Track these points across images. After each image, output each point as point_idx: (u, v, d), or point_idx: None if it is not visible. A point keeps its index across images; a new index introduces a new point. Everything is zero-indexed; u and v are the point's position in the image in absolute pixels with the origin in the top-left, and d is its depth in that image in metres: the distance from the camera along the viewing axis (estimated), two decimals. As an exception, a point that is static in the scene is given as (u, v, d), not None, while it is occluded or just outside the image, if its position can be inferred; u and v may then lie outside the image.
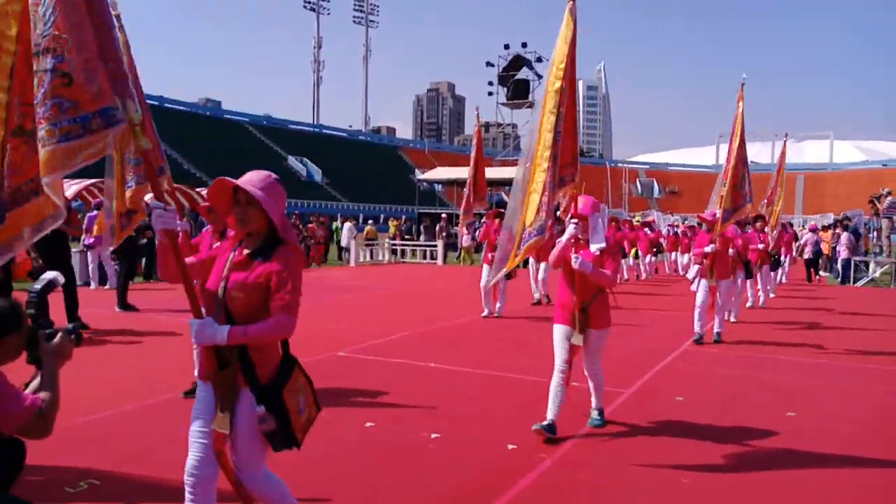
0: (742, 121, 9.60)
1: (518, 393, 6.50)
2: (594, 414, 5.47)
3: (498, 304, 11.32)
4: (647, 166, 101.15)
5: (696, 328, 9.18)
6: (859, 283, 20.21)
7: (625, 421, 5.68)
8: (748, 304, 13.20)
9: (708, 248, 8.96)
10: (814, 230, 22.74)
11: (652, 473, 4.51)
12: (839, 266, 20.98)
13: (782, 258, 16.78)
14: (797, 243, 22.14)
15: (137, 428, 5.22)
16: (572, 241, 5.08)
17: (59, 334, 2.53)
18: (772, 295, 14.94)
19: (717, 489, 4.28)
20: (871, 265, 21.91)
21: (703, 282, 9.14)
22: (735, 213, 9.24)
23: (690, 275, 9.53)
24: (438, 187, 62.70)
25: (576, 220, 5.04)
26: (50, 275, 2.69)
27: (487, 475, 4.40)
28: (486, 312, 11.18)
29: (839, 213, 29.34)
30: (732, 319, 10.88)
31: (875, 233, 24.64)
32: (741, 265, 10.87)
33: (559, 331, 5.21)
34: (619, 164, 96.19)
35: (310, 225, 24.20)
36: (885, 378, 7.56)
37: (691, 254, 17.53)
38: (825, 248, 23.53)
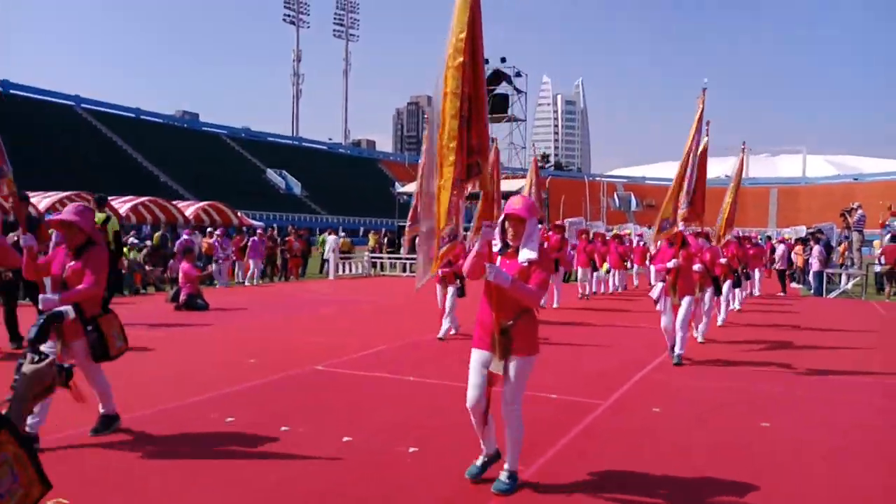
0: (699, 127, 9.24)
1: (496, 405, 6.49)
2: (503, 476, 4.36)
3: (445, 325, 10.28)
4: (625, 180, 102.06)
5: (672, 349, 8.70)
6: (832, 295, 20.49)
7: (602, 432, 5.71)
8: (718, 322, 12.43)
9: (670, 264, 8.48)
10: (782, 242, 23.06)
11: (629, 485, 4.52)
12: (811, 278, 21.26)
13: (751, 272, 16.50)
14: (772, 255, 22.42)
15: (110, 445, 5.15)
16: (486, 248, 4.31)
17: (48, 360, 2.27)
18: (737, 308, 14.85)
19: (695, 499, 4.31)
20: (843, 277, 22.22)
21: (669, 301, 8.59)
22: (673, 224, 8.87)
23: (654, 294, 8.70)
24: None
25: (489, 223, 4.31)
26: (64, 308, 2.65)
27: (466, 488, 4.39)
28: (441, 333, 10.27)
29: (812, 226, 29.74)
30: (700, 339, 10.37)
31: (845, 245, 25.01)
32: (710, 280, 10.28)
33: (476, 357, 4.47)
34: (597, 178, 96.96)
35: (287, 238, 24.08)
36: (858, 389, 7.66)
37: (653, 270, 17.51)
38: (798, 260, 23.85)
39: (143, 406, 6.15)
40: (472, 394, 4.51)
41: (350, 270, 25.75)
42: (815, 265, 20.79)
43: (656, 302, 8.67)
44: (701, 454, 5.20)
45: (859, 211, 23.09)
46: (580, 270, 17.41)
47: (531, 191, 14.71)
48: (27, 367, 2.17)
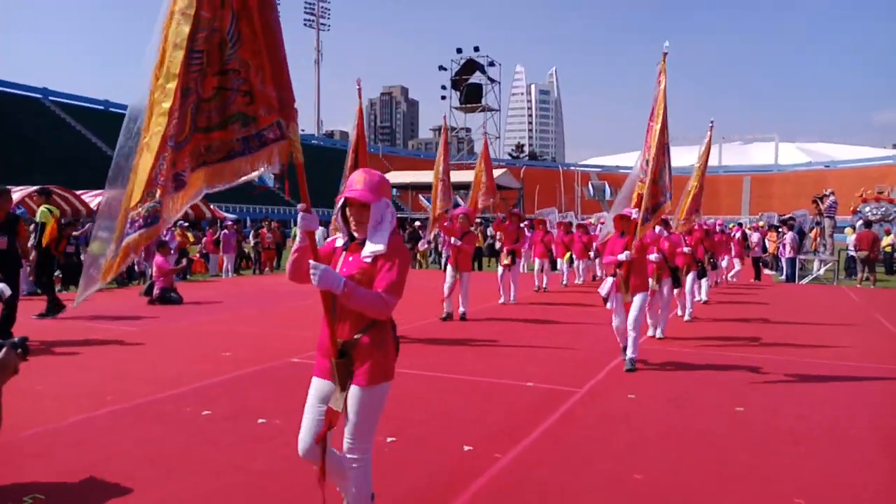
0: (665, 100, 7.79)
1: (472, 394, 6.53)
2: None
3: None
4: (599, 169, 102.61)
5: (625, 354, 7.76)
6: (804, 281, 20.80)
7: (578, 419, 5.75)
8: (685, 317, 11.70)
9: (622, 256, 7.46)
10: (756, 229, 23.33)
11: (605, 470, 4.57)
12: (784, 264, 21.56)
13: (718, 260, 15.80)
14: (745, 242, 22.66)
15: (83, 440, 5.09)
16: (307, 240, 3.27)
17: (4, 348, 2.40)
18: (704, 299, 13.99)
19: (669, 484, 4.36)
20: (816, 263, 22.56)
21: (619, 298, 7.69)
22: (655, 215, 7.73)
23: (603, 290, 7.70)
24: (394, 192, 62.59)
25: (304, 207, 3.24)
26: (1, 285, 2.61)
27: (443, 477, 4.40)
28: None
29: (785, 213, 30.13)
30: (658, 335, 9.66)
31: (817, 231, 25.37)
32: (668, 272, 9.42)
33: (313, 389, 3.50)
34: (572, 168, 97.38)
35: (261, 230, 23.90)
36: (830, 372, 7.79)
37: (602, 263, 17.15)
38: (771, 247, 24.18)
39: (117, 400, 6.08)
40: (303, 438, 3.53)
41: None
42: (787, 251, 21.08)
43: (606, 299, 7.74)
44: (677, 438, 5.27)
45: (831, 198, 23.43)
46: (537, 262, 16.83)
47: (482, 178, 13.32)
48: None
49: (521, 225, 16.31)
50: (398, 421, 5.59)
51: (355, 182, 3.29)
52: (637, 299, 7.60)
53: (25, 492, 4.05)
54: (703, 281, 13.76)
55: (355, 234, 3.34)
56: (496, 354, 8.55)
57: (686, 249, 11.54)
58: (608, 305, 7.77)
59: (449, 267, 11.46)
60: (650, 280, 8.68)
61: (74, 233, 16.77)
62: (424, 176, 34.78)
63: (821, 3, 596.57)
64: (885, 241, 23.84)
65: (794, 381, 7.33)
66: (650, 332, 9.60)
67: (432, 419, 5.71)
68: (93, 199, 25.24)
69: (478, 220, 26.35)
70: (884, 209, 27.65)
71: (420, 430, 5.39)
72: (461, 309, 11.43)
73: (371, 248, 3.24)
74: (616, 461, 4.74)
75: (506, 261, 13.57)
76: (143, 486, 4.21)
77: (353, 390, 3.26)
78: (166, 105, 2.98)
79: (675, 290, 10.25)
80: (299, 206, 3.27)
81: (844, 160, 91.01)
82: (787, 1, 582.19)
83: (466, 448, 4.92)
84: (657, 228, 8.72)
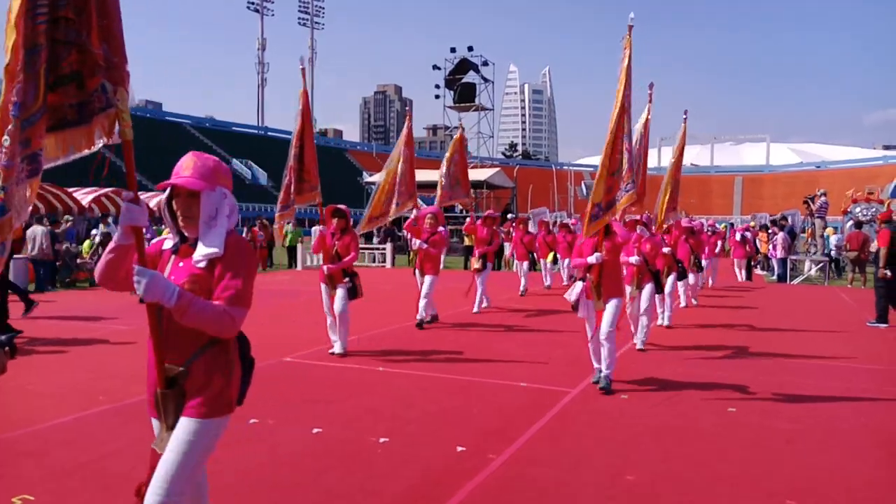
0: (628, 77, 6.74)
1: (465, 395, 6.52)
2: None
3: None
4: (593, 168, 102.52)
5: (600, 367, 6.88)
6: (795, 282, 20.88)
7: (572, 419, 5.76)
8: (665, 322, 10.86)
9: (592, 259, 6.61)
10: (747, 230, 23.40)
11: (598, 471, 4.57)
12: (775, 264, 21.65)
13: (704, 261, 14.66)
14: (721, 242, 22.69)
15: (75, 440, 5.06)
16: (131, 238, 2.62)
17: None
18: (693, 303, 13.57)
19: (662, 484, 4.36)
20: (807, 263, 22.65)
21: (590, 305, 6.83)
22: (609, 211, 6.64)
23: (571, 296, 6.87)
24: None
25: (131, 196, 2.59)
26: None
27: (436, 477, 4.40)
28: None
29: (776, 214, 30.25)
30: (639, 346, 8.88)
31: (809, 231, 25.50)
32: (649, 276, 8.69)
33: (154, 426, 2.88)
34: (565, 167, 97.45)
35: (253, 228, 23.83)
36: (821, 373, 7.82)
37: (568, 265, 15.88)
38: (762, 247, 24.27)
39: (108, 400, 6.06)
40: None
41: (317, 261, 25.57)
42: (778, 252, 21.16)
43: (575, 307, 6.91)
44: (669, 438, 5.28)
45: (822, 198, 23.53)
46: (517, 264, 16.02)
47: (449, 169, 11.80)
48: None
49: (503, 226, 16.11)
50: (391, 421, 5.59)
51: (183, 167, 2.67)
52: (610, 307, 6.66)
53: (16, 491, 4.03)
54: (681, 284, 12.40)
55: (185, 233, 2.71)
56: (488, 355, 8.54)
57: (665, 250, 10.40)
58: (579, 313, 6.93)
59: (417, 271, 10.67)
60: (628, 287, 8.27)
61: (57, 230, 16.70)
62: (419, 175, 34.64)
63: (812, 3, 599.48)
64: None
65: (786, 381, 7.35)
66: (638, 346, 8.86)
67: (425, 419, 5.70)
68: (85, 196, 25.15)
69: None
70: (874, 210, 27.76)
71: (413, 431, 5.38)
72: (419, 315, 10.37)
73: (204, 251, 2.62)
74: (609, 461, 4.74)
75: (476, 265, 12.41)
76: (132, 488, 4.19)
77: (181, 422, 2.65)
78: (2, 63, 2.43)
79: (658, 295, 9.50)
80: (124, 194, 2.62)
81: (835, 161, 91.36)
82: (779, 1, 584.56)
83: (460, 448, 4.91)
84: (638, 228, 8.45)
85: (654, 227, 9.51)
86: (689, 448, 5.08)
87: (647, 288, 8.72)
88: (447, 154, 12.03)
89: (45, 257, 15.61)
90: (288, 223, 10.33)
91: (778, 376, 7.56)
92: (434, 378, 7.21)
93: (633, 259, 8.09)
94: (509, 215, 29.37)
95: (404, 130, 11.32)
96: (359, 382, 6.98)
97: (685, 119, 11.06)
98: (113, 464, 4.56)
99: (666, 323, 10.83)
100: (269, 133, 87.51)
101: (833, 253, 22.20)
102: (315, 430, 5.31)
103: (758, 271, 23.79)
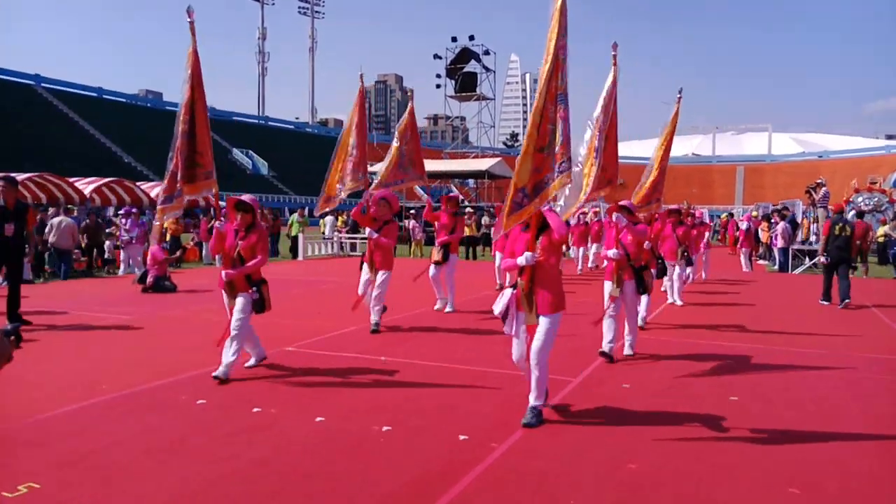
0: (561, 22, 5.32)
1: (467, 384, 6.54)
2: None
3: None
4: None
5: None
6: (797, 271, 20.87)
7: (573, 409, 5.77)
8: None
9: (522, 260, 5.27)
10: (749, 220, 23.37)
11: (600, 459, 4.59)
12: (777, 254, 21.63)
13: (693, 255, 13.58)
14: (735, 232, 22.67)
15: (79, 429, 5.08)
16: None
17: None
18: (678, 302, 12.39)
19: (663, 473, 4.38)
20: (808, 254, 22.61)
21: (521, 318, 5.43)
22: (539, 197, 5.22)
23: (498, 307, 5.44)
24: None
25: None
26: None
27: (439, 466, 4.41)
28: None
29: (778, 203, 30.20)
30: (627, 351, 7.88)
31: (811, 222, 25.46)
32: (631, 272, 7.64)
33: None
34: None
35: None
36: (822, 361, 7.83)
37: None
38: (764, 237, 24.24)
39: (112, 389, 6.07)
40: None
41: (319, 251, 25.62)
42: (779, 242, 21.13)
43: (504, 319, 5.46)
44: (671, 427, 5.29)
45: (824, 188, 23.48)
46: (497, 256, 13.83)
47: (402, 147, 10.15)
48: None
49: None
50: (393, 411, 5.60)
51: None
52: (546, 323, 5.28)
53: (21, 480, 4.05)
54: (666, 279, 12.06)
55: None
56: (489, 343, 8.55)
57: (645, 244, 8.75)
58: (506, 329, 5.46)
59: (364, 266, 9.19)
60: (609, 283, 7.61)
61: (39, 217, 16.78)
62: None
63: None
64: (880, 231, 23.94)
65: (787, 370, 7.37)
66: (626, 350, 7.88)
67: (427, 409, 5.72)
68: (86, 185, 25.11)
69: (471, 209, 26.31)
70: (876, 199, 27.74)
71: (415, 420, 5.39)
72: (373, 318, 9.13)
73: None
74: (611, 450, 4.76)
75: (437, 256, 11.02)
76: (138, 475, 4.22)
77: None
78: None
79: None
80: None
81: (838, 150, 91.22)
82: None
83: (462, 437, 4.93)
84: (614, 216, 7.46)
85: (639, 215, 8.31)
86: (691, 437, 5.10)
87: (629, 286, 7.63)
88: (399, 126, 10.30)
89: (68, 247, 15.96)
90: (176, 217, 8.37)
91: (779, 365, 7.57)
92: (436, 367, 7.22)
93: (612, 253, 7.41)
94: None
95: (356, 100, 9.41)
96: (361, 372, 7.00)
97: (679, 98, 9.67)
98: (116, 453, 4.58)
99: (639, 323, 9.21)
100: (270, 123, 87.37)
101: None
102: (318, 419, 5.33)
103: (759, 261, 23.78)
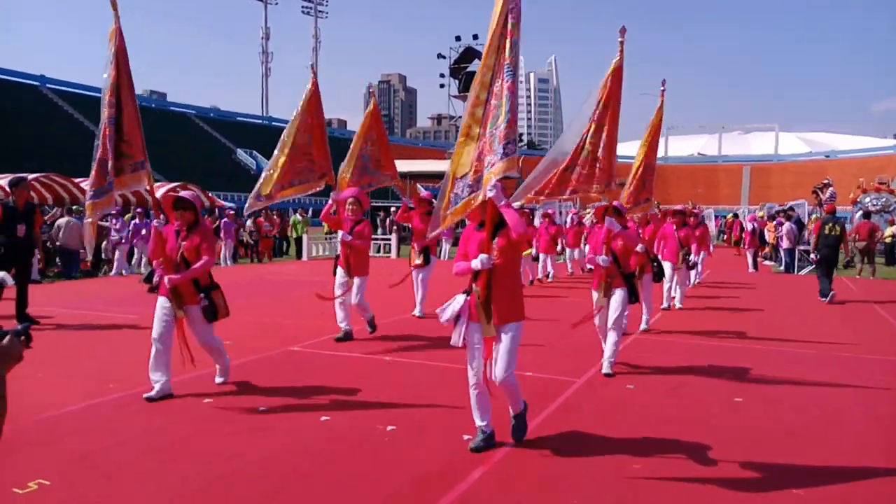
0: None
1: (473, 384, 6.54)
2: None
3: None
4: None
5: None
6: (803, 272, 20.83)
7: (577, 409, 5.78)
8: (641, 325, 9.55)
9: (477, 263, 4.62)
10: (754, 221, 23.34)
11: (604, 459, 4.60)
12: (783, 255, 21.58)
13: (693, 257, 12.47)
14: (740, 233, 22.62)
15: (87, 428, 5.12)
16: None
17: (8, 336, 2.40)
18: (674, 305, 11.82)
19: (668, 473, 4.39)
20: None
21: (475, 331, 4.72)
22: (479, 186, 4.53)
23: (444, 316, 4.71)
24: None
25: None
26: (2, 274, 2.54)
27: (443, 465, 4.43)
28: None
29: (784, 204, 30.13)
30: (606, 369, 6.95)
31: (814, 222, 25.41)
32: (620, 279, 6.93)
33: None
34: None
35: (258, 219, 23.88)
36: (826, 363, 7.83)
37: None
38: (769, 237, 24.19)
39: (119, 388, 6.11)
40: None
41: (323, 251, 25.66)
42: (784, 243, 21.09)
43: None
44: (676, 428, 5.30)
45: (831, 188, 23.43)
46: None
47: (365, 148, 9.33)
48: None
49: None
50: (398, 409, 5.62)
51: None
52: (507, 337, 4.64)
53: (31, 477, 4.09)
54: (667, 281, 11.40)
55: None
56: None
57: (639, 247, 8.45)
58: (453, 339, 4.73)
59: (339, 270, 8.57)
60: (596, 293, 7.04)
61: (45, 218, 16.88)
62: (423, 164, 34.72)
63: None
64: (888, 231, 23.87)
65: (792, 371, 7.36)
66: (604, 368, 6.98)
67: (431, 408, 5.74)
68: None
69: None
70: (884, 200, 27.67)
71: (419, 419, 5.42)
72: (345, 327, 8.60)
73: None
74: (615, 450, 4.77)
75: (417, 260, 10.46)
76: (144, 473, 4.25)
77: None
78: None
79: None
80: None
81: (845, 150, 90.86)
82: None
83: (466, 437, 4.94)
84: (606, 220, 6.77)
85: (629, 217, 7.73)
86: (696, 438, 5.10)
87: (618, 295, 6.89)
88: (358, 131, 9.49)
89: (76, 247, 16.08)
90: (108, 215, 7.47)
91: (783, 367, 7.57)
92: (440, 367, 7.23)
93: (601, 259, 6.81)
94: (515, 205, 29.31)
95: (309, 89, 8.42)
96: (365, 372, 7.02)
97: (663, 91, 8.94)
98: (123, 451, 4.62)
99: (643, 326, 9.48)
100: (274, 123, 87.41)
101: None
102: (323, 418, 5.35)
103: (765, 262, 23.73)
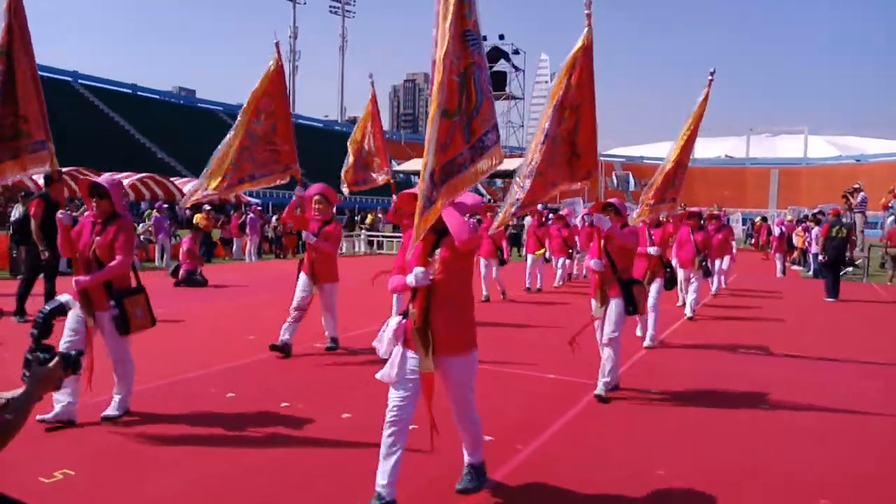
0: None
1: (494, 384, 6.52)
2: None
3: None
4: (623, 159, 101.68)
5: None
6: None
7: (599, 412, 5.73)
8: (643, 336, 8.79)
9: (412, 279, 3.70)
10: (782, 225, 23.02)
11: (627, 464, 4.55)
12: (811, 260, 21.26)
13: (711, 264, 12.01)
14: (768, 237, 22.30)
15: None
16: None
17: (55, 360, 2.33)
18: (688, 315, 11.02)
19: (692, 479, 4.33)
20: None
21: (406, 360, 3.85)
22: (447, 183, 3.59)
23: (381, 347, 3.84)
24: (415, 178, 62.54)
25: None
26: (63, 298, 2.48)
27: (463, 467, 4.41)
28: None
29: (814, 208, 29.67)
30: (599, 391, 6.10)
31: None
32: (617, 288, 6.09)
33: None
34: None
35: (282, 216, 24.06)
36: (855, 371, 7.69)
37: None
38: (798, 241, 23.83)
39: (142, 381, 6.14)
40: None
41: (345, 249, 25.79)
42: (814, 247, 20.77)
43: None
44: (700, 434, 5.24)
45: (862, 193, 23.02)
46: (482, 262, 12.41)
47: (366, 143, 9.18)
48: (37, 369, 2.22)
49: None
50: (420, 409, 5.58)
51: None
52: (457, 372, 3.91)
53: (56, 466, 4.13)
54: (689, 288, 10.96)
55: None
56: (518, 344, 8.53)
57: (652, 250, 8.24)
58: (384, 372, 3.86)
59: (302, 276, 7.66)
60: (593, 301, 6.24)
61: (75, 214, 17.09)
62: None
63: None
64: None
65: (819, 379, 7.25)
66: (598, 389, 6.12)
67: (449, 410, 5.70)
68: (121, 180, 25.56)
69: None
70: (918, 205, 27.11)
71: (443, 420, 5.38)
72: (329, 334, 7.93)
73: None
74: (638, 455, 4.72)
75: None
76: (167, 465, 4.28)
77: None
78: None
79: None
80: None
81: (876, 154, 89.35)
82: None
83: (487, 438, 4.91)
84: (595, 218, 5.90)
85: (629, 216, 6.78)
86: (720, 444, 5.03)
87: (614, 306, 6.09)
88: (359, 124, 9.19)
89: None
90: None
91: (810, 374, 7.45)
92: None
93: (594, 263, 6.02)
94: (538, 206, 29.21)
95: (270, 68, 7.54)
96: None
97: (711, 80, 7.58)
98: (146, 443, 4.65)
99: (647, 343, 8.58)
100: (300, 121, 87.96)
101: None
102: (344, 416, 5.35)
103: (793, 267, 23.39)
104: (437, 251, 3.72)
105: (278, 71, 7.54)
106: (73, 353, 2.36)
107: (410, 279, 3.68)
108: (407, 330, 3.76)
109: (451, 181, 3.54)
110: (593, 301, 6.21)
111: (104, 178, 5.18)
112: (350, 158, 9.19)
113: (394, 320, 3.81)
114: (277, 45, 7.65)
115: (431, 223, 3.50)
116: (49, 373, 2.27)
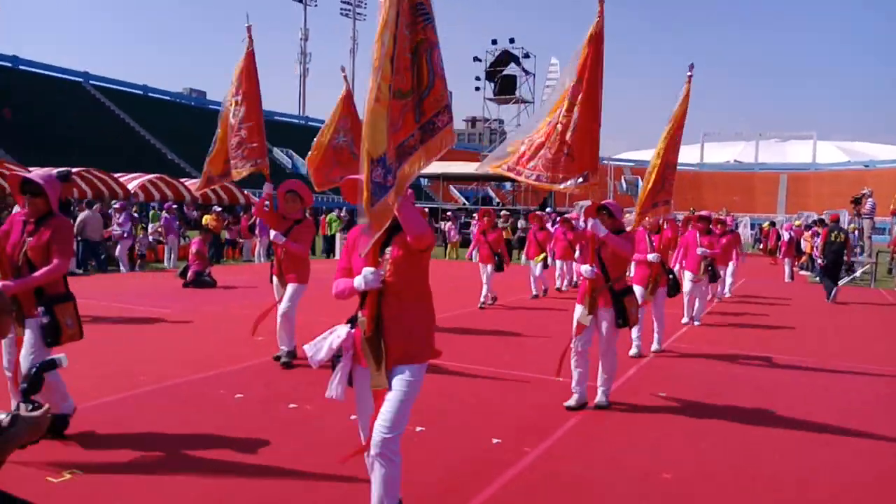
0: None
1: (502, 387, 6.53)
2: None
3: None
4: (633, 164, 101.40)
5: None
6: (841, 283, 20.41)
7: (607, 416, 5.73)
8: (653, 346, 8.47)
9: (359, 282, 3.32)
10: (790, 230, 22.97)
11: (634, 467, 4.55)
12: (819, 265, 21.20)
13: (719, 269, 11.72)
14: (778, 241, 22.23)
15: (119, 420, 5.19)
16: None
17: (44, 409, 2.14)
18: (695, 322, 10.81)
19: (699, 483, 4.33)
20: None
21: (360, 377, 3.69)
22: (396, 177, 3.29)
23: (316, 356, 3.72)
24: (424, 181, 62.68)
25: None
26: (59, 356, 2.44)
27: (471, 469, 4.42)
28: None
29: (822, 213, 29.55)
30: (600, 398, 5.95)
31: (857, 233, 24.87)
32: (608, 297, 5.77)
33: None
34: (605, 161, 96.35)
35: (252, 211, 24.07)
36: (864, 378, 7.66)
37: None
38: (806, 247, 23.76)
39: (151, 381, 6.19)
40: None
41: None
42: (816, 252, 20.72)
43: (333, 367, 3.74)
44: (707, 438, 5.23)
45: (870, 199, 22.95)
46: (481, 267, 12.22)
47: (336, 137, 8.41)
48: (25, 416, 2.14)
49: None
50: (428, 411, 5.61)
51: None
52: (401, 381, 3.36)
53: (65, 467, 4.16)
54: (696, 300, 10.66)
55: None
56: (527, 348, 8.53)
57: (652, 257, 8.10)
58: (330, 389, 3.69)
59: (274, 279, 7.35)
60: (581, 308, 5.79)
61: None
62: (456, 166, 34.72)
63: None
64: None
65: (828, 385, 7.22)
66: (598, 398, 5.95)
67: (461, 411, 5.73)
68: (130, 181, 25.66)
69: (507, 213, 26.11)
70: (926, 212, 26.98)
71: (450, 422, 5.41)
72: (284, 347, 7.09)
73: None
74: (645, 459, 4.72)
75: None
76: (175, 466, 4.30)
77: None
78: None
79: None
80: None
81: (884, 160, 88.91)
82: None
83: (495, 440, 4.93)
84: (589, 223, 5.62)
85: (624, 219, 6.26)
86: (728, 448, 5.03)
87: (606, 317, 5.81)
88: (330, 119, 8.54)
89: (98, 239, 16.36)
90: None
91: (818, 378, 7.43)
92: (471, 370, 7.22)
93: (585, 269, 5.69)
94: (547, 209, 29.18)
95: (244, 57, 7.44)
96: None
97: (690, 76, 7.17)
98: (155, 443, 4.68)
99: (655, 346, 8.44)
100: (310, 123, 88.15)
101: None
102: (352, 417, 5.34)
103: (801, 272, 23.31)
104: (388, 249, 3.29)
105: (248, 57, 7.39)
106: (38, 413, 2.25)
107: (359, 282, 3.27)
108: (356, 341, 3.38)
109: (404, 166, 3.19)
110: (579, 306, 5.80)
111: (38, 174, 4.69)
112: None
113: (341, 329, 3.43)
114: (249, 28, 7.50)
115: (390, 218, 3.09)
116: (38, 422, 2.15)
